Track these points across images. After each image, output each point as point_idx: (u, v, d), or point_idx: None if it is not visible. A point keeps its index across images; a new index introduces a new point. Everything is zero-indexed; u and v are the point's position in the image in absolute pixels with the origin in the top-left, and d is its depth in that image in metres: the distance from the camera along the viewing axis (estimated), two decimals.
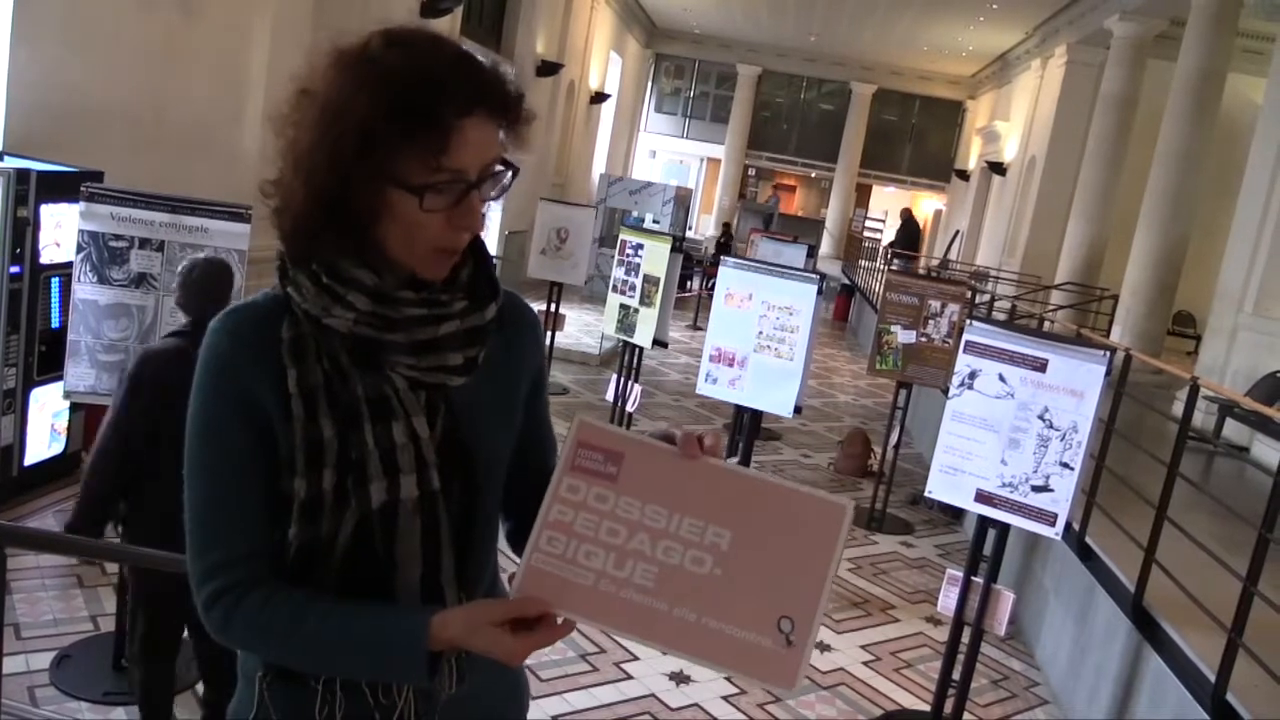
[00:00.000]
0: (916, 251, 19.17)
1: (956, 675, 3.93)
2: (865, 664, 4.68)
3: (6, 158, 4.89)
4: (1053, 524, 3.63)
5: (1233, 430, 7.33)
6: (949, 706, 3.94)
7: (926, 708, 4.19)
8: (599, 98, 19.44)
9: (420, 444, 1.24)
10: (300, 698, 1.25)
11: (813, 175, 30.28)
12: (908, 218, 22.10)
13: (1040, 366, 3.62)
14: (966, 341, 3.81)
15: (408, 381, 1.24)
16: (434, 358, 1.24)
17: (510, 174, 1.23)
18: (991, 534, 3.88)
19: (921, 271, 15.61)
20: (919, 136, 27.83)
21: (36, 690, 3.46)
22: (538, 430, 1.44)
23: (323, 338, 1.22)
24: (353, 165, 1.14)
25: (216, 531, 1.21)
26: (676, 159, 30.20)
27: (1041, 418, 3.61)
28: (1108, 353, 3.62)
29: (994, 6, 16.72)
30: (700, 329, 13.60)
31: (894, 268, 12.72)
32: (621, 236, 6.55)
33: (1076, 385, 3.57)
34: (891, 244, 20.49)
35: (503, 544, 1.42)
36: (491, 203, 1.26)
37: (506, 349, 1.35)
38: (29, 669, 3.55)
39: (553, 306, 8.25)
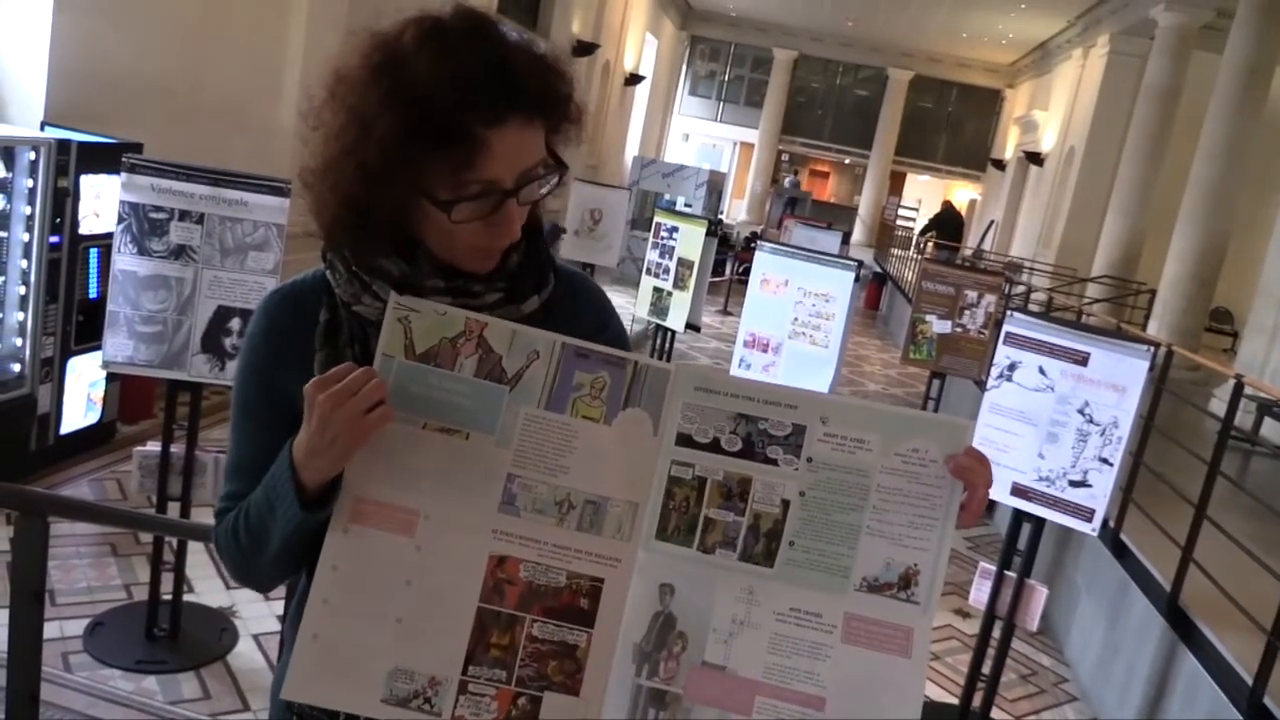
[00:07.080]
0: (958, 242, 18.93)
1: (985, 669, 3.90)
2: None
3: (48, 128, 4.92)
4: (1089, 520, 3.58)
5: (1271, 430, 7.22)
6: (977, 700, 3.91)
7: (954, 701, 4.15)
8: (634, 79, 19.35)
9: None
10: None
11: (846, 162, 30.06)
12: (946, 208, 21.81)
13: (1082, 360, 3.56)
14: (1007, 333, 3.75)
15: None
16: None
17: (556, 177, 1.20)
18: (1026, 528, 3.84)
19: (957, 261, 15.47)
20: (955, 124, 27.51)
21: (70, 657, 3.49)
22: None
23: (355, 323, 1.21)
24: (380, 180, 1.12)
25: (238, 475, 1.26)
26: (710, 142, 30.04)
27: (1081, 412, 3.56)
28: (1151, 348, 3.56)
29: None
30: (731, 314, 13.55)
31: (928, 256, 12.58)
32: (656, 219, 6.52)
33: (1119, 380, 3.51)
34: (924, 230, 20.26)
35: None
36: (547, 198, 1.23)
37: (565, 332, 1.28)
38: (63, 635, 3.59)
39: None
